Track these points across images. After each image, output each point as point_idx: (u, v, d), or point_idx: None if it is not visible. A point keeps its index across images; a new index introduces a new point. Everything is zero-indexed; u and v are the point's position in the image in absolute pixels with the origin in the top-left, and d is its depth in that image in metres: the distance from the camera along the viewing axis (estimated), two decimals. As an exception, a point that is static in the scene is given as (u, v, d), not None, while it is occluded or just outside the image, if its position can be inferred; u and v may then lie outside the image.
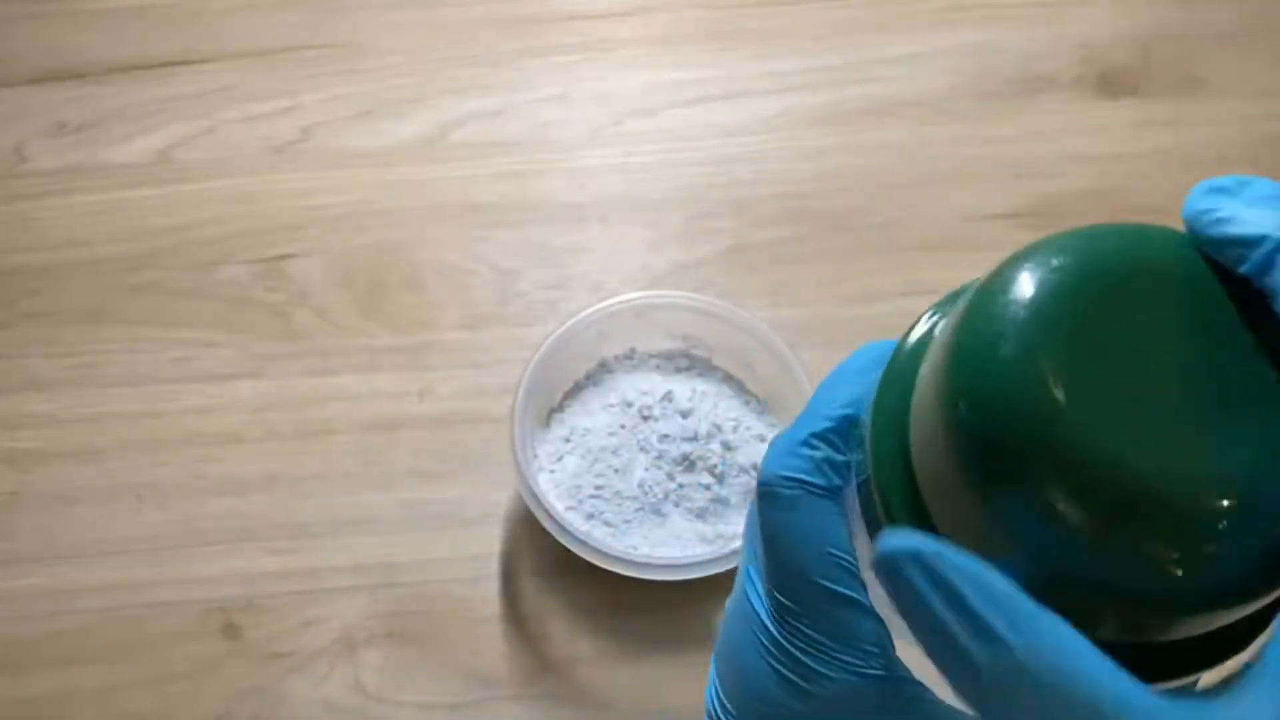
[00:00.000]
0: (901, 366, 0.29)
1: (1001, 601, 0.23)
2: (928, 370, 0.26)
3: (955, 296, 0.29)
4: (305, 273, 0.65)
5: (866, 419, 0.29)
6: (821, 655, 0.28)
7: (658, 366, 0.60)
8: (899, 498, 0.27)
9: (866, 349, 0.32)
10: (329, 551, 0.57)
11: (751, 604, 0.30)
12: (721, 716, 0.31)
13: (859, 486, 0.29)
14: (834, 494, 0.29)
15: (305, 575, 0.57)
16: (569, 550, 0.53)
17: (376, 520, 0.58)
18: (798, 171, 0.68)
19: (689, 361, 0.60)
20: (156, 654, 0.55)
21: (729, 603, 0.32)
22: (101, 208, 0.67)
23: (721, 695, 0.31)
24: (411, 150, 0.69)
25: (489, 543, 0.58)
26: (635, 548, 0.55)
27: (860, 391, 0.30)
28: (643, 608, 0.56)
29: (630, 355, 0.60)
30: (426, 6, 0.74)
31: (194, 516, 0.58)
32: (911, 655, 0.27)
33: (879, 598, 0.28)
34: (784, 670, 0.29)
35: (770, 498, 0.29)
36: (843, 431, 0.30)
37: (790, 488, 0.29)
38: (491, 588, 0.57)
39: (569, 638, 0.56)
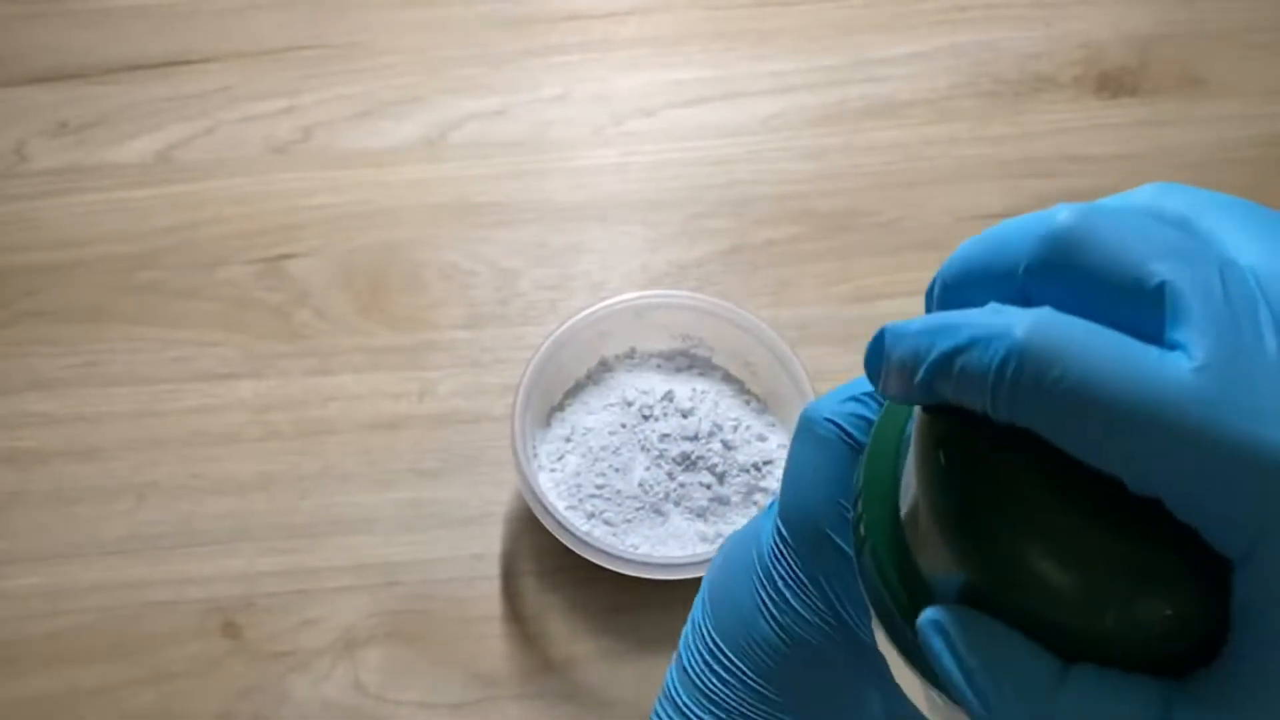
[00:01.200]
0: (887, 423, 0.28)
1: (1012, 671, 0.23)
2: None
3: None
4: (305, 273, 0.65)
5: (863, 455, 0.29)
6: (800, 594, 0.29)
7: (658, 366, 0.60)
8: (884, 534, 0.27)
9: None
10: (329, 551, 0.57)
11: (760, 526, 0.31)
12: (702, 627, 0.32)
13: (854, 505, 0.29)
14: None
15: (305, 575, 0.57)
16: (569, 550, 0.53)
17: (376, 520, 0.58)
18: (798, 171, 0.68)
19: (689, 361, 0.60)
20: (156, 653, 0.55)
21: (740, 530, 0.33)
22: (102, 208, 0.67)
23: (709, 608, 0.32)
24: (411, 150, 0.69)
25: (489, 543, 0.58)
26: (635, 547, 0.55)
27: None
28: (643, 607, 0.56)
29: (630, 355, 0.60)
30: (426, 6, 0.74)
31: (194, 516, 0.58)
32: (881, 636, 0.27)
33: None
34: (764, 593, 0.30)
35: (807, 431, 0.30)
36: None
37: (828, 429, 0.29)
38: (491, 588, 0.57)
39: (569, 637, 0.56)
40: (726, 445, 0.57)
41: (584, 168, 0.68)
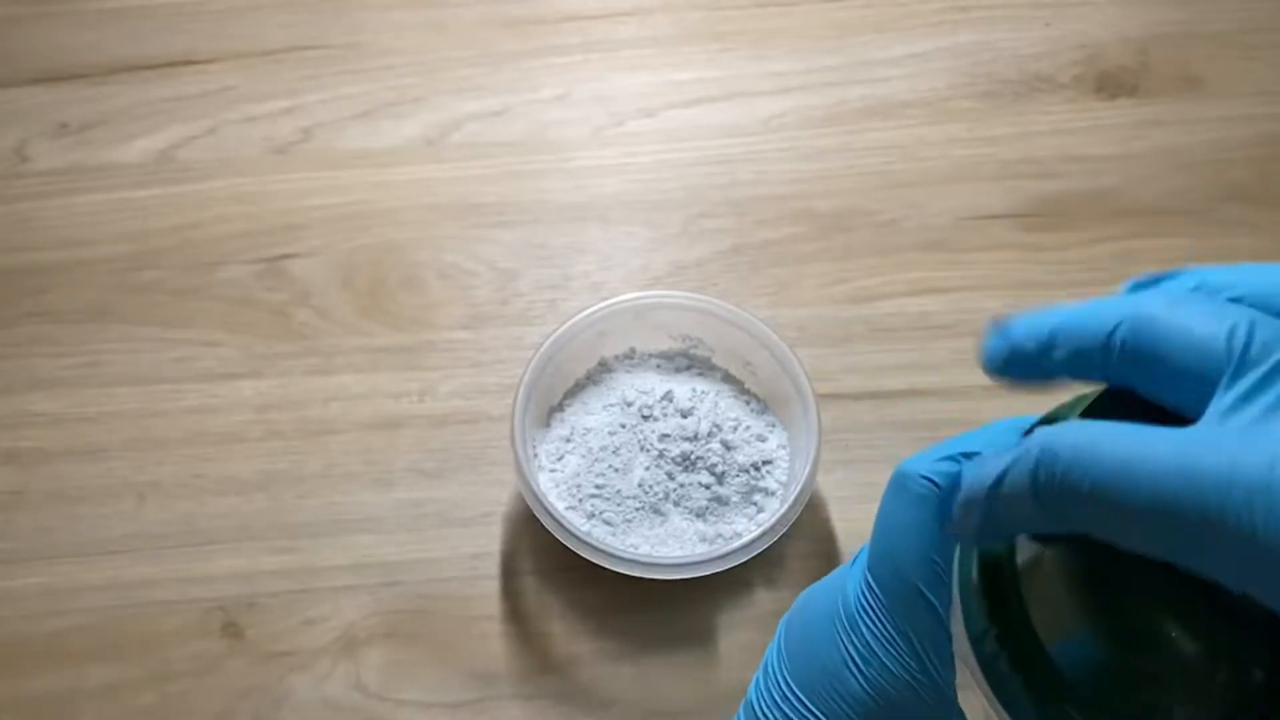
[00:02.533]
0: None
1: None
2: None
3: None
4: (306, 273, 0.65)
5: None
6: (887, 646, 0.30)
7: (658, 366, 0.60)
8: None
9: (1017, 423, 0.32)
10: (329, 551, 0.58)
11: (845, 577, 0.32)
12: (777, 673, 0.32)
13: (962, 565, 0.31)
14: None
15: (306, 574, 0.57)
16: (569, 550, 0.53)
17: (376, 520, 0.58)
18: (798, 171, 0.68)
19: (689, 361, 0.60)
20: (157, 653, 0.55)
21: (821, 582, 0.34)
22: (103, 208, 0.67)
23: (785, 657, 0.32)
24: (411, 150, 0.69)
25: (489, 542, 0.58)
26: (635, 547, 0.55)
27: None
28: (643, 607, 0.56)
29: (630, 355, 0.60)
30: (426, 6, 0.74)
31: (195, 516, 0.58)
32: (968, 701, 0.28)
33: (964, 655, 0.29)
34: (850, 647, 0.30)
35: (901, 487, 0.31)
36: None
37: (923, 486, 0.30)
38: (491, 587, 0.57)
39: (569, 637, 0.56)
40: (726, 445, 0.57)
41: (584, 168, 0.68)
